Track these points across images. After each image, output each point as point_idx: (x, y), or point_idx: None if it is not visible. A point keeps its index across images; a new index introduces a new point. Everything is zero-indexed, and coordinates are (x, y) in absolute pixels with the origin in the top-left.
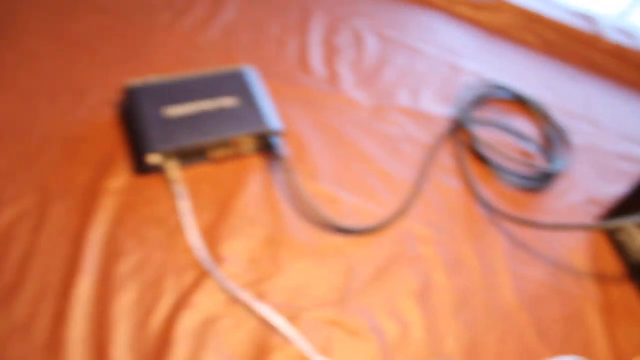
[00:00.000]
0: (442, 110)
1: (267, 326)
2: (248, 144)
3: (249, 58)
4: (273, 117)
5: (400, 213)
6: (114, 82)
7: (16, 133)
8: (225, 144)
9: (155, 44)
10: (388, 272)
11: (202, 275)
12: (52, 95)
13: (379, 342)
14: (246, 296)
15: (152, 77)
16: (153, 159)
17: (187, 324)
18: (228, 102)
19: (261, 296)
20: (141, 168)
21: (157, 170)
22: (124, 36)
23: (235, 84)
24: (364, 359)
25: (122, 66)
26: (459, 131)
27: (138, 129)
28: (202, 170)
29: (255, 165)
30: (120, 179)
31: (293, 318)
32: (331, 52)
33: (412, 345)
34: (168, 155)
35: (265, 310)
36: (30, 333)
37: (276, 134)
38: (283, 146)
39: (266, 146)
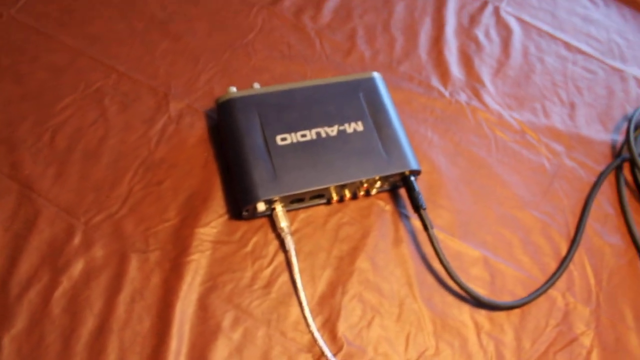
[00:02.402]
0: (602, 135)
1: None
2: (376, 184)
3: (369, 47)
4: (409, 151)
5: (553, 283)
6: (202, 82)
7: (81, 153)
8: (348, 186)
9: (250, 26)
10: None
11: None
12: (125, 98)
13: None
14: None
15: (254, 87)
16: (260, 207)
17: None
18: (352, 127)
19: None
20: (240, 213)
21: (260, 216)
22: (213, 17)
23: (360, 100)
24: None
25: (211, 60)
26: (622, 167)
27: (239, 162)
28: (314, 213)
29: (381, 209)
30: (214, 225)
31: None
32: (470, 46)
33: None
34: (276, 200)
35: None
36: None
37: (414, 173)
38: (419, 191)
39: (396, 184)
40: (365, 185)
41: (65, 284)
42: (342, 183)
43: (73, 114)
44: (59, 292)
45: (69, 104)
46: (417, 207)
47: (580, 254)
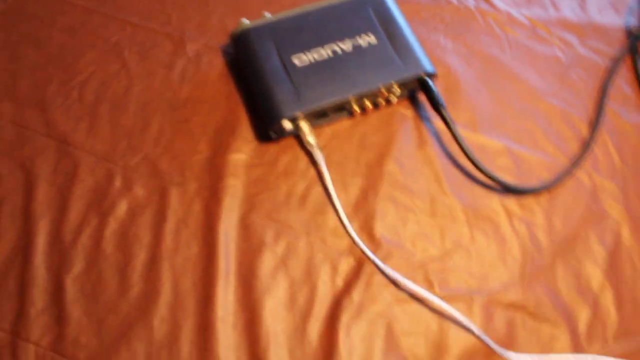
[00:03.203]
0: (615, 20)
1: (441, 316)
2: (395, 91)
3: None
4: (423, 55)
5: (577, 163)
6: (215, 21)
7: (109, 104)
8: (368, 95)
9: None
10: (569, 237)
11: (359, 262)
12: (142, 47)
13: (567, 325)
14: (413, 285)
15: (266, 16)
16: (285, 124)
17: (350, 325)
18: (365, 40)
19: (429, 281)
20: (268, 136)
21: (287, 135)
22: None
23: (370, 14)
24: (553, 347)
25: None
26: (638, 47)
27: (260, 87)
28: (339, 127)
29: (403, 115)
30: (244, 150)
31: (468, 304)
32: None
33: (604, 326)
34: (301, 117)
35: (438, 301)
36: (175, 352)
37: (430, 76)
38: (438, 91)
39: (414, 90)
40: (384, 92)
41: (113, 224)
42: (361, 92)
43: (96, 69)
44: (108, 232)
45: (90, 61)
46: (437, 106)
47: (602, 135)
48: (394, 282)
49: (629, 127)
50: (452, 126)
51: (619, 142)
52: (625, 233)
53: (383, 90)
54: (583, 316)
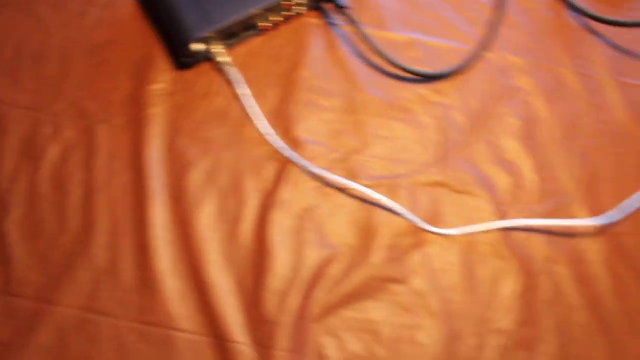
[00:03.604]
0: None
1: (367, 204)
2: (300, 2)
3: None
4: None
5: (486, 45)
6: None
7: (29, 58)
8: (273, 9)
9: None
10: (485, 114)
11: (283, 165)
12: (55, 0)
13: (490, 195)
14: (337, 178)
15: None
16: (196, 47)
17: (281, 223)
18: None
19: (353, 173)
20: (183, 62)
21: (201, 59)
22: None
23: None
24: (478, 217)
25: None
26: None
27: (168, 16)
28: (252, 45)
29: (312, 25)
30: (163, 80)
31: (393, 189)
32: None
33: (525, 191)
34: (212, 38)
35: (361, 188)
36: (117, 276)
37: None
38: None
39: (320, 1)
40: (287, 4)
41: (46, 167)
42: (263, 6)
43: (12, 28)
44: (43, 175)
45: (5, 22)
46: (340, 7)
47: (509, 17)
48: (320, 179)
49: (533, 4)
50: (356, 25)
51: (525, 21)
52: (538, 103)
53: (284, 2)
54: (504, 185)
